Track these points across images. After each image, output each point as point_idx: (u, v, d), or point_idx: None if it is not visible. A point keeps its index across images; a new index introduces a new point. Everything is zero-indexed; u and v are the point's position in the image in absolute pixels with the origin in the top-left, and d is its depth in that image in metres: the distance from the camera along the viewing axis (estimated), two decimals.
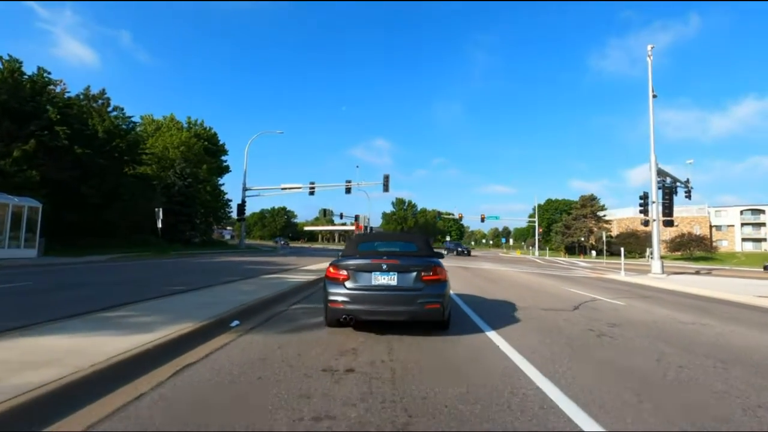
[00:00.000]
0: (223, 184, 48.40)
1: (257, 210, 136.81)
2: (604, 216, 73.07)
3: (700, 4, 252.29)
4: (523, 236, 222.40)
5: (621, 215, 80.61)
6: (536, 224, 70.74)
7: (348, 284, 5.16)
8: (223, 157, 49.47)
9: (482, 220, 65.03)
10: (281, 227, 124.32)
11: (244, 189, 41.26)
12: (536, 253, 64.92)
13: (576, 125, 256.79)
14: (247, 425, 2.64)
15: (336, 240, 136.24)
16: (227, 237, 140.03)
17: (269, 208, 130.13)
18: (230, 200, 53.05)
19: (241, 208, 40.77)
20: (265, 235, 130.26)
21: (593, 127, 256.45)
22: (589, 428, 2.77)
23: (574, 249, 70.48)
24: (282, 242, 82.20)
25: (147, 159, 38.29)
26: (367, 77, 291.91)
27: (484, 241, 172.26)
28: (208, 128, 47.90)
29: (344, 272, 5.25)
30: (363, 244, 6.54)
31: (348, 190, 42.51)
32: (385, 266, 5.14)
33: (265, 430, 2.59)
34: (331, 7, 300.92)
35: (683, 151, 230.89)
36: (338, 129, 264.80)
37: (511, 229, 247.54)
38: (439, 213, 67.57)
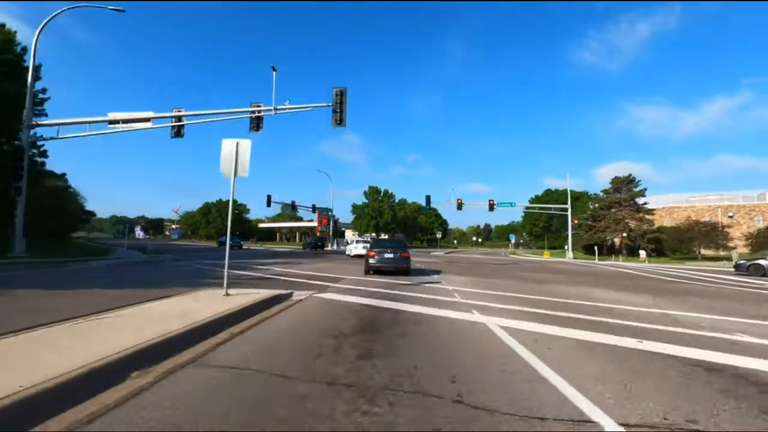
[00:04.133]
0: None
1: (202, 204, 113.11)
2: (646, 204, 54.44)
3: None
4: (507, 233, 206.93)
5: (660, 203, 62.11)
6: (568, 215, 50.82)
7: (374, 257, 16.40)
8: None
9: (491, 207, 45.50)
10: (231, 223, 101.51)
11: (29, 126, 19.72)
12: (570, 254, 45.70)
13: (551, 119, 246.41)
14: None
15: (298, 239, 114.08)
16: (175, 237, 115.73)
17: (215, 201, 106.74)
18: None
19: (18, 162, 18.99)
20: (212, 233, 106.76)
21: (568, 121, 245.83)
22: None
23: (600, 248, 51.85)
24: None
25: None
26: (336, 68, 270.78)
27: (461, 239, 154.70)
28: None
29: (372, 252, 16.61)
30: (378, 242, 20.16)
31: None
32: (388, 251, 16.58)
33: None
34: None
35: (656, 149, 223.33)
36: (305, 125, 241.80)
37: (493, 226, 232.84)
38: (428, 200, 47.16)
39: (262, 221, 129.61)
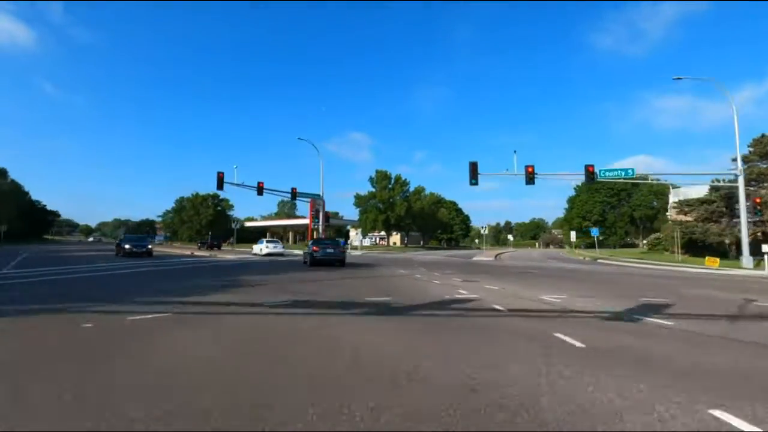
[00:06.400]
0: None
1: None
2: None
3: None
4: (533, 231, 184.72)
5: None
6: (740, 192, 28.56)
7: (318, 252, 20.21)
8: None
9: (589, 176, 25.27)
10: (209, 222, 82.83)
11: None
12: (747, 260, 24.67)
13: (563, 111, 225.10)
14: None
15: (292, 239, 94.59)
16: (159, 240, 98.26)
17: (189, 195, 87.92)
18: None
19: None
20: (191, 234, 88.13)
21: (581, 113, 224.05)
22: None
23: (704, 249, 30.84)
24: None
25: None
26: (340, 64, 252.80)
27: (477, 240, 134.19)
28: None
29: (316, 248, 20.50)
30: (320, 241, 23.17)
31: None
32: (329, 246, 21.25)
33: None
34: None
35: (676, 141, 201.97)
36: (311, 123, 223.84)
37: (513, 224, 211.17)
38: (474, 171, 26.97)
39: (252, 219, 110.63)
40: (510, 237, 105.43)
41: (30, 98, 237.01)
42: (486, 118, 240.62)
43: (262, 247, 29.62)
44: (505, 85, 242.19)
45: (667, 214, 75.75)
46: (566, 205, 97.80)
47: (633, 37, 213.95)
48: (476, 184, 28.45)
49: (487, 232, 36.55)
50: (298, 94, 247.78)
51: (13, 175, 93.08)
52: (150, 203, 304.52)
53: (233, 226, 64.85)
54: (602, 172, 25.95)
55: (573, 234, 56.76)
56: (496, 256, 41.54)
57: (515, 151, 28.86)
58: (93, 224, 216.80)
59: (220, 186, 36.59)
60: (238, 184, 39.14)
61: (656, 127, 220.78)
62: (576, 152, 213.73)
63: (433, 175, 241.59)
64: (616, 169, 26.08)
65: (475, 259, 33.88)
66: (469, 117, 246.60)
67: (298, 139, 42.91)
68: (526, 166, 26.58)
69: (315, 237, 36.40)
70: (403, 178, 71.55)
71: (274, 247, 31.51)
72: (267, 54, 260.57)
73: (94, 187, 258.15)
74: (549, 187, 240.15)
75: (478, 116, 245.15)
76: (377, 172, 71.59)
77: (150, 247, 26.21)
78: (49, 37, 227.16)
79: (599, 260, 33.60)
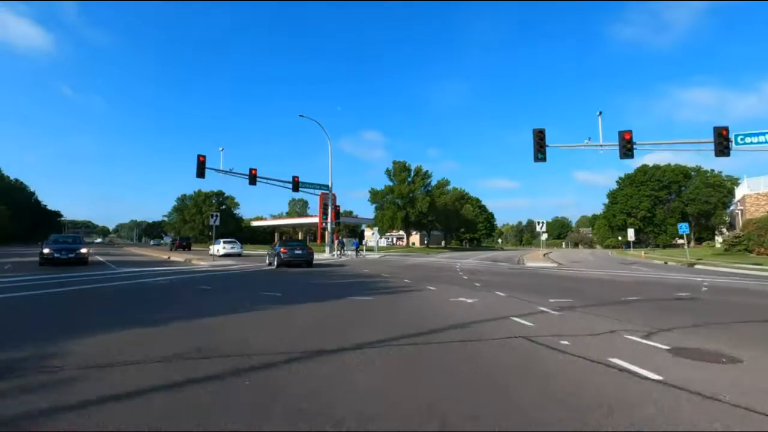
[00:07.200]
0: None
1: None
2: None
3: None
4: (557, 230, 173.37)
5: None
6: None
7: (286, 253, 19.58)
8: None
9: (723, 144, 16.32)
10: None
11: None
12: None
13: (582, 103, 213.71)
14: None
15: (303, 240, 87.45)
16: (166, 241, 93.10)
17: (192, 192, 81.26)
18: None
19: None
20: (196, 235, 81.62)
21: (605, 105, 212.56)
22: None
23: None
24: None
25: None
26: (353, 64, 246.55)
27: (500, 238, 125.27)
28: None
29: (284, 249, 19.89)
30: (287, 243, 22.75)
31: None
32: (297, 248, 20.25)
33: None
34: None
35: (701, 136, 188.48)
36: (325, 122, 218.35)
37: (542, 221, 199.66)
38: (539, 141, 18.79)
39: (261, 218, 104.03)
40: (545, 236, 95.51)
41: (50, 101, 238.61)
42: (503, 114, 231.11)
43: (218, 248, 28.45)
44: (522, 80, 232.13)
45: (731, 209, 65.50)
46: (606, 201, 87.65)
47: (657, 29, 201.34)
48: (543, 159, 20.22)
49: (545, 229, 28.14)
50: (312, 92, 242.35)
51: (31, 178, 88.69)
52: (166, 204, 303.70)
53: (213, 224, 58.03)
54: (739, 137, 17.32)
55: (631, 232, 47.60)
56: (544, 256, 33.04)
57: (600, 113, 19.97)
58: (111, 226, 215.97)
59: (200, 173, 29.30)
60: (224, 171, 31.78)
61: (679, 121, 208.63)
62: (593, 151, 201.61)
63: (447, 173, 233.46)
64: (762, 132, 17.33)
65: (531, 264, 25.50)
66: (485, 113, 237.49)
67: (300, 116, 35.14)
68: (622, 132, 18.17)
69: (324, 237, 35.91)
70: (424, 170, 63.31)
71: (231, 247, 31.33)
72: (283, 53, 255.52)
73: (113, 190, 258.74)
74: (568, 185, 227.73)
75: (495, 112, 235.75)
76: (395, 163, 63.58)
77: (84, 251, 18.72)
78: (65, 40, 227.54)
79: (695, 265, 24.73)
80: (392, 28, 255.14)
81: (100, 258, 27.30)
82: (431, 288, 11.50)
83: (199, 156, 29.07)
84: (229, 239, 34.98)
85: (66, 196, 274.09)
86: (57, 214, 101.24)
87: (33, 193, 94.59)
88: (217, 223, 24.70)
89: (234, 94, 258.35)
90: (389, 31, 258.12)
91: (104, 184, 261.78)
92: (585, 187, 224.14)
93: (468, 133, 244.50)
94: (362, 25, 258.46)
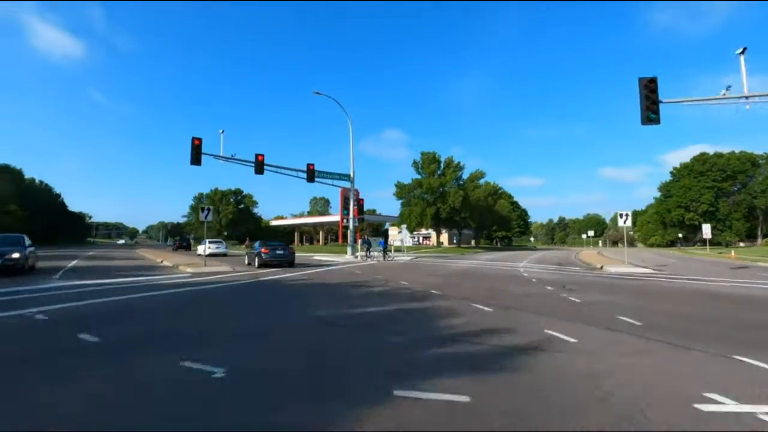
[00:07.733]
0: None
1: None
2: None
3: None
4: (590, 228, 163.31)
5: None
6: None
7: (267, 253, 19.25)
8: None
9: None
10: (230, 220, 72.14)
11: None
12: None
13: (607, 99, 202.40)
14: None
15: (323, 239, 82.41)
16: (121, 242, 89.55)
17: (209, 191, 77.48)
18: None
19: None
20: (213, 235, 78.15)
21: (627, 101, 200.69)
22: None
23: None
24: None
25: None
26: (373, 61, 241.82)
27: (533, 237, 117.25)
28: None
29: (265, 249, 19.47)
30: (267, 243, 20.70)
31: None
32: (279, 248, 19.91)
33: None
34: None
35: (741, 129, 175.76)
36: (342, 121, 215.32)
37: (568, 218, 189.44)
38: (648, 91, 12.59)
39: (281, 218, 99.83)
40: (590, 233, 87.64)
41: (84, 108, 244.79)
42: (529, 108, 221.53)
43: (204, 248, 29.09)
44: (549, 73, 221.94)
45: None
46: (657, 194, 78.83)
47: (693, 16, 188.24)
48: (656, 121, 14.00)
49: (630, 223, 21.65)
50: (332, 91, 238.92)
51: (62, 183, 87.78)
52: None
53: (203, 219, 53.41)
54: None
55: (706, 228, 40.00)
56: (598, 253, 26.33)
57: (745, 49, 13.51)
58: (141, 228, 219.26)
59: (195, 159, 24.21)
60: (225, 158, 26.54)
61: (715, 114, 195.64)
62: (629, 143, 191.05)
63: (471, 170, 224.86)
64: None
65: (614, 270, 19.10)
66: (510, 107, 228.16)
67: (315, 92, 29.62)
68: None
69: (347, 236, 34.95)
70: (455, 161, 57.01)
71: (216, 247, 32.48)
72: (304, 54, 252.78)
73: (143, 192, 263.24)
74: (594, 182, 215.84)
75: (521, 106, 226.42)
76: (423, 154, 57.52)
77: (16, 256, 13.71)
78: (96, 47, 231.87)
79: None
80: (412, 25, 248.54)
81: (73, 263, 22.16)
82: (562, 338, 5.57)
83: (194, 139, 24.04)
84: (215, 239, 37.00)
85: (98, 200, 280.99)
86: (82, 216, 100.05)
87: (58, 195, 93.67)
88: (209, 218, 19.60)
89: (250, 92, 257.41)
90: (409, 28, 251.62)
91: (134, 187, 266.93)
92: (613, 183, 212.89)
93: (491, 130, 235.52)
94: (382, 22, 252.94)
